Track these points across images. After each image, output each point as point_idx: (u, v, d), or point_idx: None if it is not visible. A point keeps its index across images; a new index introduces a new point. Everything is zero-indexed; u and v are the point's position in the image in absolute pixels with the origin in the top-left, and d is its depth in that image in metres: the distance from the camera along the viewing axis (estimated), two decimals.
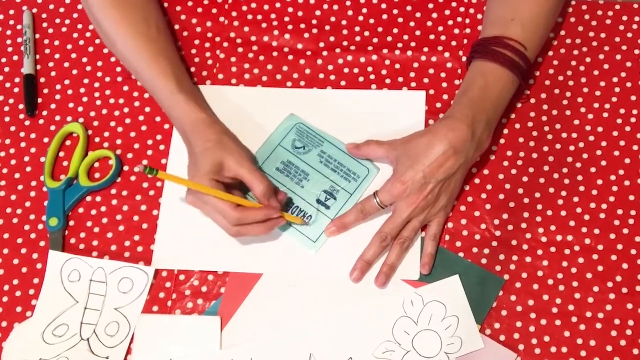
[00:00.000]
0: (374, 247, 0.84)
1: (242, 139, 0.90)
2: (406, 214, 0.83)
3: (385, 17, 0.95)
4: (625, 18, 0.93)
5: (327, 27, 0.95)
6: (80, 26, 0.97)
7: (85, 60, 0.96)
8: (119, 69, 0.96)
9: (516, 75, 0.85)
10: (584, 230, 0.86)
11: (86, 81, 0.95)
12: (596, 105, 0.91)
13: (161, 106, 0.88)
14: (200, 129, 0.83)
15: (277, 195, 0.85)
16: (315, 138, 0.90)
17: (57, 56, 0.96)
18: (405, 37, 0.95)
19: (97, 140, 0.93)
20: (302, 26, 0.95)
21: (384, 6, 0.95)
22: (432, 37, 0.94)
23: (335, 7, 0.95)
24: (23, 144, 0.92)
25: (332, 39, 0.95)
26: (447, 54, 0.93)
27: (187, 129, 0.84)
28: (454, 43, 0.94)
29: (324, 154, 0.89)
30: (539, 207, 0.87)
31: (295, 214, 0.87)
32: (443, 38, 0.94)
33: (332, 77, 0.94)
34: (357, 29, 0.95)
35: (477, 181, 0.89)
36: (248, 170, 0.82)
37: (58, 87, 0.95)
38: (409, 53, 0.94)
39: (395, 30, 0.95)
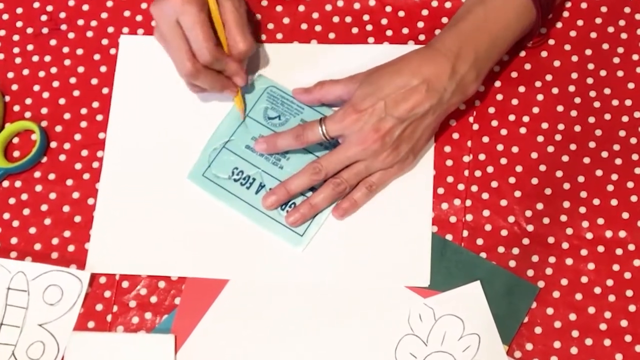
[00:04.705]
0: (303, 177, 0.83)
1: (200, 109, 0.88)
2: (352, 152, 0.81)
3: None
4: None
5: None
6: None
7: (0, 6, 0.94)
8: (44, 17, 0.93)
9: (533, 2, 0.82)
10: None
11: (2, 33, 0.93)
12: None
13: None
14: None
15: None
16: (293, 104, 0.88)
17: None
18: None
19: (16, 108, 0.90)
20: None
21: None
22: None
23: None
24: None
25: None
26: None
27: None
28: None
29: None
30: (583, 194, 0.85)
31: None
32: None
33: (318, 28, 0.91)
34: None
35: (503, 161, 0.86)
36: (240, 22, 0.82)
37: None
38: None
39: None
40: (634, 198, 0.84)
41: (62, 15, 0.91)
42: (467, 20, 0.82)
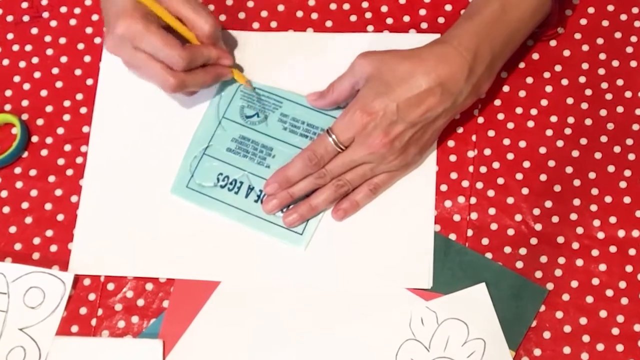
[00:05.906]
0: (307, 181, 0.83)
1: (191, 99, 0.87)
2: (359, 155, 0.81)
3: None
4: None
5: None
6: None
7: None
8: (25, 5, 0.93)
9: None
10: None
11: None
12: None
13: None
14: None
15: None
16: (270, 99, 0.87)
17: None
18: None
19: None
20: None
21: None
22: None
23: None
24: None
25: None
26: None
27: None
28: None
29: (285, 117, 0.87)
30: (594, 191, 0.85)
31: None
32: None
33: (314, 16, 0.91)
34: None
35: (509, 156, 0.86)
36: (192, 6, 0.81)
37: None
38: None
39: None
40: None
41: (44, 2, 0.91)
42: (484, 14, 0.81)
